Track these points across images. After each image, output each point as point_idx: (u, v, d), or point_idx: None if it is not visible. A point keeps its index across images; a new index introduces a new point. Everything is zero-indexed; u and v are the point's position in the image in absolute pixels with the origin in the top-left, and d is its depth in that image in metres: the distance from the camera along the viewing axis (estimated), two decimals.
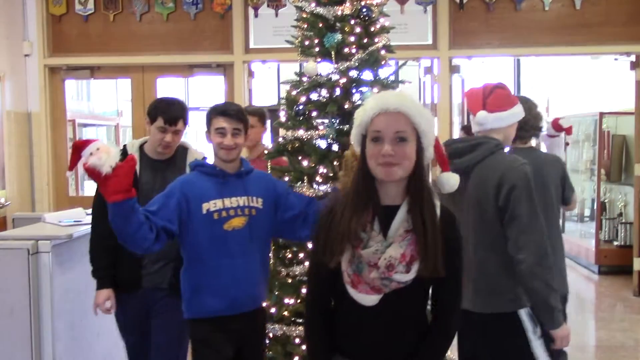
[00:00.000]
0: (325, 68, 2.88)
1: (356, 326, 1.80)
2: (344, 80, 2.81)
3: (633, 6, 5.83)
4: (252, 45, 6.10)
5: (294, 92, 2.93)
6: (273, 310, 2.76)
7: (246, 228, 2.44)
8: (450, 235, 1.78)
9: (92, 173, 2.03)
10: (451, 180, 2.15)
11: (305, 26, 2.95)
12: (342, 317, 1.83)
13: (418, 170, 1.76)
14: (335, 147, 2.72)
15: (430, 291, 1.84)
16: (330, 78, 2.83)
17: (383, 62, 2.93)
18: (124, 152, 2.71)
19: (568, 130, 3.61)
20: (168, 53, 6.11)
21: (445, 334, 1.85)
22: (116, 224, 2.17)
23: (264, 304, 2.64)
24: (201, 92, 10.34)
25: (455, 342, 1.97)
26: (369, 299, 1.74)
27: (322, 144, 2.82)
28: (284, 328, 2.73)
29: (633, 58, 6.09)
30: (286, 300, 2.74)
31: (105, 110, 9.51)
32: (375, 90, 2.80)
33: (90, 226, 2.98)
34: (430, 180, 2.00)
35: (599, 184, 7.61)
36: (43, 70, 6.20)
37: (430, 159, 1.85)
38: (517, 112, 2.56)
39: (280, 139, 2.91)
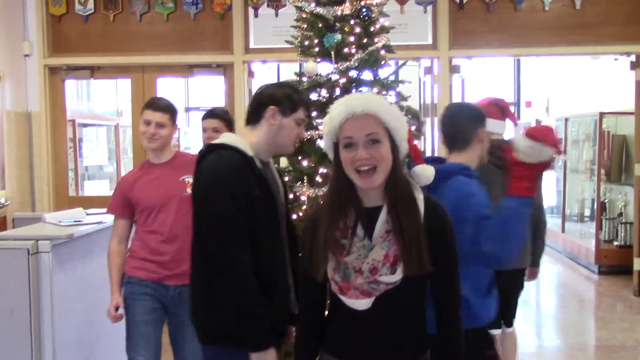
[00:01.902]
0: (325, 68, 2.88)
1: (353, 330, 1.78)
2: (343, 80, 2.81)
3: (633, 6, 5.83)
4: (252, 45, 6.09)
5: None
6: None
7: None
8: (438, 228, 1.74)
9: (541, 165, 2.09)
10: (426, 172, 2.05)
11: (305, 26, 2.95)
12: (338, 321, 1.81)
13: (395, 168, 1.74)
14: None
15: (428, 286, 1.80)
16: (330, 78, 2.84)
17: (383, 62, 2.94)
18: (244, 157, 2.08)
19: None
20: (168, 53, 6.10)
21: (454, 337, 1.79)
22: (514, 225, 2.11)
23: None
24: (201, 92, 10.35)
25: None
26: (361, 303, 1.72)
27: (322, 144, 2.82)
28: None
29: (633, 58, 6.08)
30: None
31: (105, 110, 9.49)
32: (375, 90, 2.80)
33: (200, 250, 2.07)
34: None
35: (599, 184, 7.61)
36: (43, 70, 6.19)
37: (405, 154, 1.82)
38: None
39: None
